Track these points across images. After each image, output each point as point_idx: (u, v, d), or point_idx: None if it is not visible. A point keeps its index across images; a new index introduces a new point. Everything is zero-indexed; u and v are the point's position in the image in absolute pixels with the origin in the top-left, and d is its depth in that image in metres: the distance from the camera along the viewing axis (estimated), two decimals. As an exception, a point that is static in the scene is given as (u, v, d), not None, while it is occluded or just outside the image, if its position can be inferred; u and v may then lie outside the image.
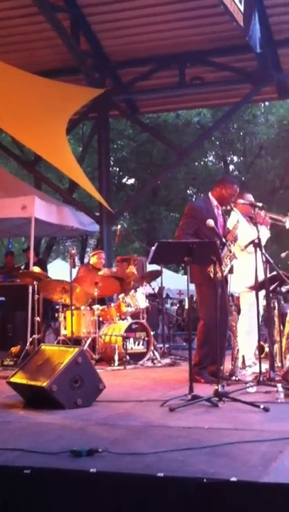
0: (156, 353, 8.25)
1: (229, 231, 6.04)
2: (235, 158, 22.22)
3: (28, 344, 7.83)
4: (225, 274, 5.72)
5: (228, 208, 6.31)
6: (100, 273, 8.71)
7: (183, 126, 18.77)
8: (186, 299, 5.65)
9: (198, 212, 6.12)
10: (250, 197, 6.73)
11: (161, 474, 2.78)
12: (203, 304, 6.09)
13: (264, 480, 2.70)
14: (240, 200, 6.28)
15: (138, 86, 12.23)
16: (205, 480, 2.70)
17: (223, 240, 5.72)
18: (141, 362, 7.95)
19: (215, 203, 6.24)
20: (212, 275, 5.49)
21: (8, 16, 10.67)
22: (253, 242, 5.81)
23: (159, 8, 10.50)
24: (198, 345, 6.11)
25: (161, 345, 9.10)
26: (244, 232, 6.26)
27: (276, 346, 6.17)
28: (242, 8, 9.45)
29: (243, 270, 6.07)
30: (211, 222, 5.60)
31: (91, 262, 9.30)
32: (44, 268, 9.76)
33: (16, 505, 2.94)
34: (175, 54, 11.52)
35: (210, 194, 6.35)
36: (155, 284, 9.79)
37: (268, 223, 6.61)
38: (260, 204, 6.12)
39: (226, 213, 6.58)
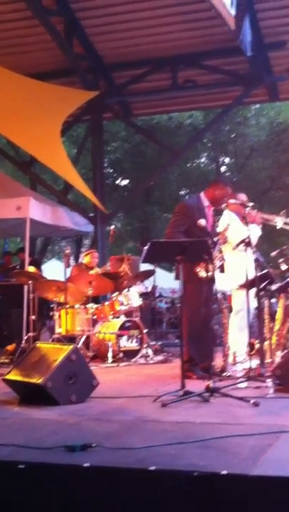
0: (149, 351, 8.34)
1: (220, 232, 6.10)
2: (227, 160, 22.32)
3: (23, 342, 7.88)
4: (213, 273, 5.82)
5: (221, 207, 6.42)
6: (93, 272, 8.81)
7: (175, 128, 18.87)
8: (179, 298, 5.71)
9: (190, 210, 6.19)
10: (243, 196, 6.80)
11: (153, 468, 2.82)
12: (187, 302, 6.15)
13: (254, 473, 2.74)
14: (231, 200, 6.35)
15: (132, 88, 12.33)
16: (196, 473, 2.73)
17: (214, 239, 5.83)
18: (134, 359, 8.01)
19: (206, 203, 6.31)
20: (201, 274, 5.61)
21: (3, 19, 10.71)
22: (243, 241, 5.93)
23: (151, 12, 10.60)
24: (185, 342, 6.21)
25: (154, 343, 9.20)
26: (237, 231, 6.34)
27: (266, 343, 6.28)
28: (233, 12, 9.55)
29: (235, 269, 6.16)
30: (202, 221, 5.70)
31: (84, 262, 9.39)
32: (38, 268, 9.85)
33: (10, 499, 2.97)
34: (168, 57, 11.63)
35: (202, 194, 6.41)
36: (148, 283, 9.89)
37: (259, 222, 6.71)
38: (251, 203, 6.23)
39: (219, 213, 6.68)
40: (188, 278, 5.85)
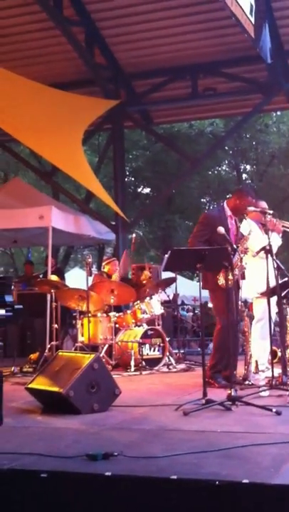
0: (171, 359, 8.34)
1: (241, 242, 6.10)
2: (248, 167, 22.27)
3: (46, 351, 7.90)
4: (235, 278, 5.81)
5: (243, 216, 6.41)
6: (112, 278, 8.84)
7: (196, 135, 18.86)
8: (200, 306, 5.72)
9: (212, 221, 6.18)
10: (263, 204, 6.77)
11: (174, 477, 2.83)
12: (218, 309, 6.16)
13: (275, 481, 2.75)
14: (251, 208, 6.34)
15: (152, 97, 12.39)
16: (217, 482, 2.73)
17: (234, 246, 5.82)
18: (156, 367, 8.02)
19: (229, 212, 6.32)
20: (220, 282, 5.62)
21: (26, 30, 10.87)
22: (264, 248, 5.92)
23: (171, 21, 10.65)
24: (214, 348, 6.22)
25: (177, 351, 9.19)
26: (256, 239, 6.34)
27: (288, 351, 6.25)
28: (253, 19, 9.54)
29: (255, 276, 6.16)
30: (221, 229, 5.71)
31: (105, 270, 9.44)
32: (61, 276, 9.91)
33: (33, 508, 2.99)
34: (188, 65, 11.68)
35: (224, 203, 6.45)
36: (170, 291, 9.90)
37: (279, 230, 6.67)
38: (271, 211, 6.22)
39: (239, 221, 6.66)
40: (216, 285, 5.87)
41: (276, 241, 6.59)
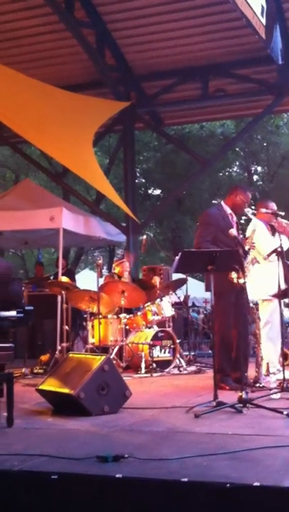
0: (182, 361, 8.33)
1: (246, 239, 6.09)
2: (259, 169, 22.24)
3: (57, 352, 7.93)
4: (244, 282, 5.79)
5: (249, 215, 6.36)
6: (123, 279, 8.85)
7: (207, 137, 18.87)
8: (211, 307, 5.70)
9: (214, 219, 6.20)
10: (273, 205, 6.74)
11: (185, 479, 2.82)
12: (219, 313, 6.07)
13: (286, 484, 2.74)
14: (262, 209, 6.33)
15: (162, 98, 12.41)
16: (228, 485, 2.73)
17: (246, 248, 5.80)
18: (167, 369, 8.01)
19: (229, 211, 6.30)
20: (235, 281, 5.59)
21: (37, 32, 10.92)
22: (275, 250, 5.90)
23: (181, 23, 10.67)
24: (215, 351, 6.19)
25: (187, 353, 9.18)
26: (265, 241, 6.33)
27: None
28: (264, 21, 9.55)
29: (265, 278, 6.14)
30: (233, 231, 5.71)
31: (115, 271, 9.45)
32: (72, 278, 9.93)
33: (43, 509, 3.00)
34: (198, 67, 11.69)
35: (222, 202, 6.42)
36: (181, 293, 9.90)
37: None
38: (282, 213, 6.20)
39: (247, 222, 6.64)
40: (221, 289, 5.85)
41: (285, 243, 6.56)
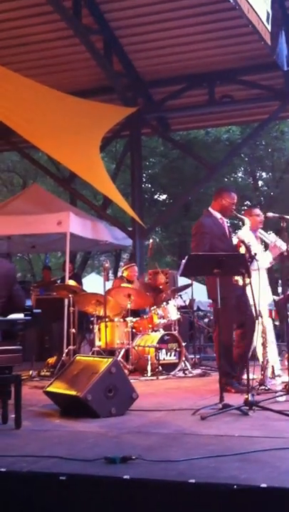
0: (187, 364, 8.37)
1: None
2: (264, 174, 22.22)
3: (64, 355, 7.98)
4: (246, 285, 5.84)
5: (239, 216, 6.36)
6: (134, 285, 8.90)
7: (212, 142, 18.87)
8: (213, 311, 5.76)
9: (208, 227, 6.16)
10: (258, 211, 6.86)
11: (193, 481, 2.84)
12: (221, 317, 6.16)
13: None
14: (270, 214, 6.36)
15: (169, 104, 12.45)
16: (236, 486, 2.75)
17: (252, 253, 5.84)
18: (173, 372, 8.04)
19: (219, 215, 6.30)
20: (240, 282, 5.65)
21: (46, 38, 10.95)
22: (282, 254, 5.97)
23: (188, 29, 10.70)
24: (217, 357, 6.21)
25: (193, 356, 9.22)
26: (265, 254, 6.41)
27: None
28: (269, 27, 9.60)
29: (264, 284, 6.21)
30: (240, 236, 5.75)
31: (124, 275, 9.51)
32: (79, 282, 9.99)
33: (52, 510, 3.03)
34: (205, 73, 11.73)
35: (210, 209, 6.39)
36: (186, 297, 9.94)
37: (276, 253, 6.49)
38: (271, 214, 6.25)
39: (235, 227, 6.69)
40: (220, 294, 5.89)
41: (268, 257, 6.57)
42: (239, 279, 5.79)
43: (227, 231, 6.28)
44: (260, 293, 5.88)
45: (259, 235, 6.64)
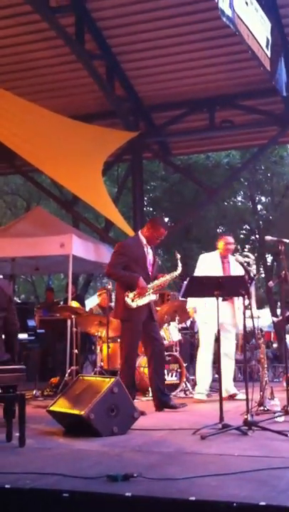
0: (188, 385, 8.39)
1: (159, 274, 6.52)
2: (263, 198, 22.29)
3: (66, 375, 8.01)
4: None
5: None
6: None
7: (213, 167, 18.97)
8: (217, 332, 5.77)
9: (127, 249, 6.46)
10: (230, 239, 7.35)
11: (193, 498, 2.89)
12: (123, 341, 6.44)
13: None
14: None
15: (170, 129, 12.60)
16: (235, 504, 2.80)
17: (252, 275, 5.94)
18: (174, 393, 7.99)
19: (144, 241, 6.54)
20: (128, 302, 5.96)
21: (49, 63, 11.14)
22: (280, 276, 6.07)
23: (189, 55, 10.89)
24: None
25: (193, 377, 9.24)
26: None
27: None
28: (269, 53, 9.72)
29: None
30: (239, 257, 5.85)
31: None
32: (82, 303, 10.05)
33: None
34: (205, 98, 11.90)
35: (140, 233, 6.66)
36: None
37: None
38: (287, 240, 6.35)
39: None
40: (124, 317, 6.32)
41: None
42: (129, 300, 6.06)
43: (149, 256, 6.54)
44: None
45: (234, 258, 6.79)
